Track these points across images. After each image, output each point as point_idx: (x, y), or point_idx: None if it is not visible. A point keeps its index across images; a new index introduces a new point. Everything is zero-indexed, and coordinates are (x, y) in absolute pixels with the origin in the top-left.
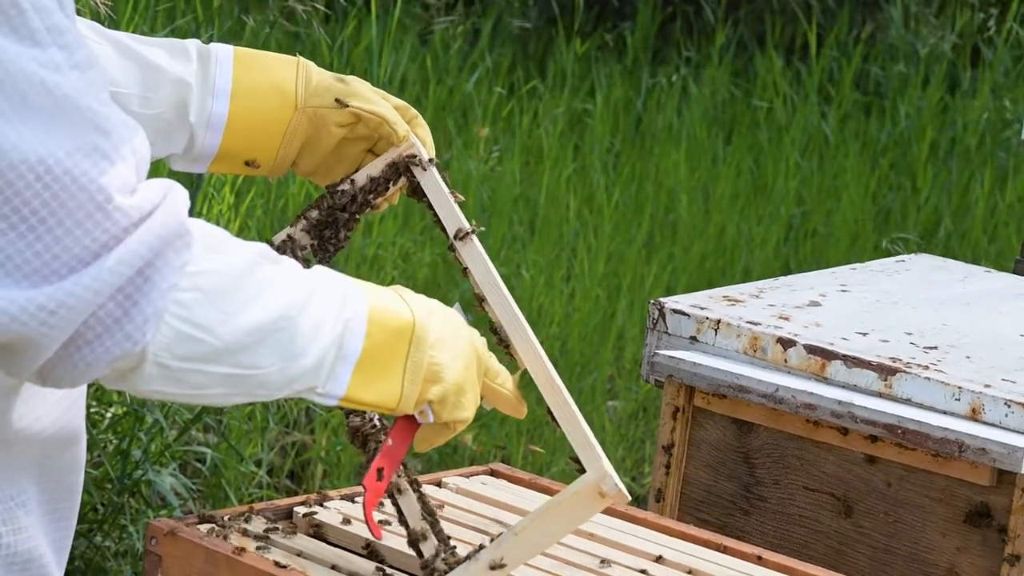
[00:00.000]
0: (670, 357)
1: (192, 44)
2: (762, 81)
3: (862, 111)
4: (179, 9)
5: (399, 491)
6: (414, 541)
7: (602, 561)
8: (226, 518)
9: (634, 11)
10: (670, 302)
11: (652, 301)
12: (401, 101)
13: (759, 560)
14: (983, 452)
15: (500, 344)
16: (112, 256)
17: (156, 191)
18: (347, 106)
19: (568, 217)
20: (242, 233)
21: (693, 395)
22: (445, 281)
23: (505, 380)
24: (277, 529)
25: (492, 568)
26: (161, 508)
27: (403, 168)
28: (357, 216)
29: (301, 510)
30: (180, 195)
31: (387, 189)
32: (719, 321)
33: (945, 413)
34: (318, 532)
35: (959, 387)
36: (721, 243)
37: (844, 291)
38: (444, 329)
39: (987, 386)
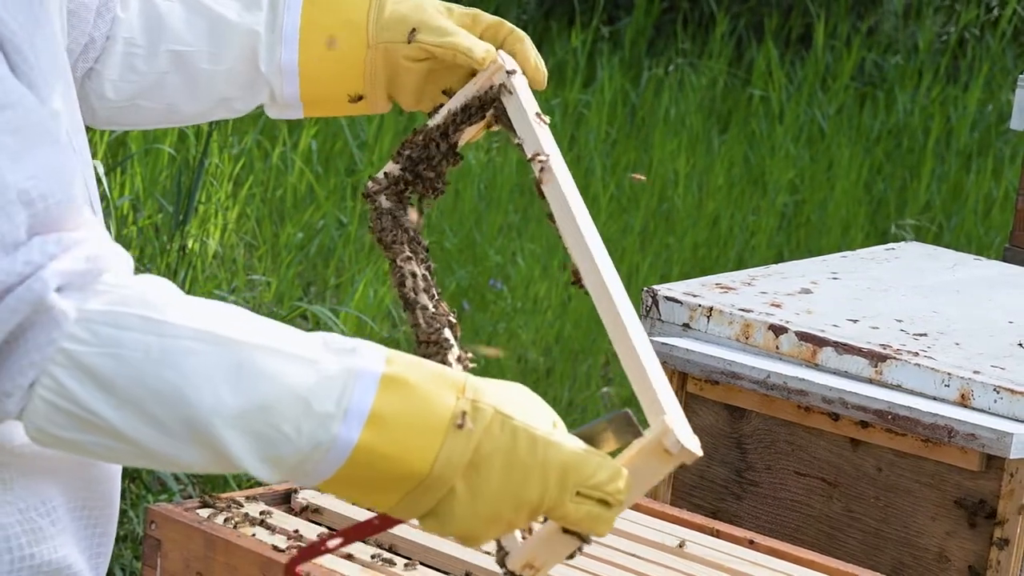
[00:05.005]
0: (663, 344)
1: None
2: (758, 71)
3: (857, 102)
4: None
5: None
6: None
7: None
8: (226, 503)
9: (631, 3)
10: (663, 289)
11: (645, 289)
12: (493, 18)
13: (751, 544)
14: (972, 438)
15: (575, 283)
16: None
17: (44, 251)
18: (414, 41)
19: None
20: (240, 221)
21: (686, 381)
22: (442, 270)
23: (607, 483)
24: (275, 513)
25: (565, 533)
26: (161, 493)
27: (486, 98)
28: (452, 152)
29: (299, 494)
30: (76, 257)
31: (477, 120)
32: (712, 308)
33: (935, 399)
34: (316, 516)
35: (949, 373)
36: (716, 232)
37: (835, 279)
38: (491, 477)
39: (976, 372)
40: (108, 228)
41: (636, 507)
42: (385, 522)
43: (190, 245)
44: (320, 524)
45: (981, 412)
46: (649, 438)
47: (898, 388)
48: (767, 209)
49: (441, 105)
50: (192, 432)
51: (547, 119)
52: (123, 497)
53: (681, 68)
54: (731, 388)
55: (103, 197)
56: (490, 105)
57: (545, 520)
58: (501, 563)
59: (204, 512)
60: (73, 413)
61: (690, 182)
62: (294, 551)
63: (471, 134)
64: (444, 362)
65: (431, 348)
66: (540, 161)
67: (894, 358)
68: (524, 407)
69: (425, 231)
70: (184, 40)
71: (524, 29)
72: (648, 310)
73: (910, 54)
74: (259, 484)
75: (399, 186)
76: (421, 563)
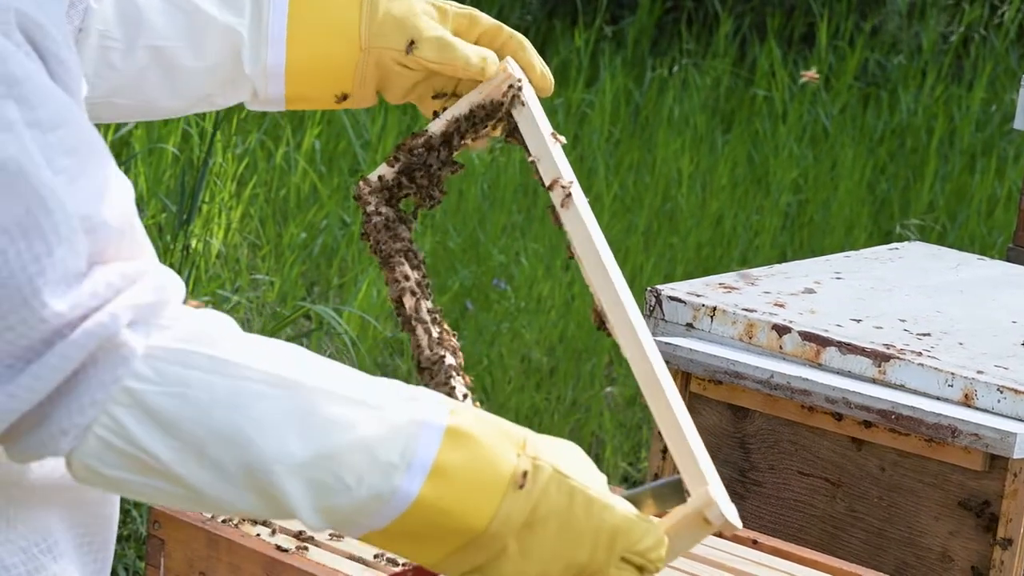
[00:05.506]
0: (667, 344)
1: None
2: (762, 71)
3: (860, 102)
4: None
5: None
6: None
7: None
8: None
9: (634, 2)
10: (666, 289)
11: (649, 288)
12: (491, 21)
13: (754, 544)
14: (976, 437)
15: (600, 327)
16: (31, 367)
17: (110, 283)
18: (411, 54)
19: None
20: (243, 221)
21: (689, 381)
22: (445, 269)
23: (651, 551)
24: None
25: None
26: None
27: (492, 109)
28: (452, 160)
29: None
30: (143, 289)
31: (482, 129)
32: (715, 308)
33: (938, 399)
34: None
35: (952, 373)
36: (719, 232)
37: (838, 278)
38: (545, 537)
39: (980, 372)
40: None
41: None
42: (421, 574)
43: (194, 245)
44: None
45: (985, 412)
46: (692, 508)
47: (902, 388)
48: (771, 209)
49: (444, 109)
50: (251, 479)
51: (563, 139)
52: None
53: (685, 68)
54: (734, 388)
55: None
56: (497, 116)
57: None
58: None
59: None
60: (128, 453)
61: (694, 182)
62: (305, 548)
63: (474, 143)
64: (447, 388)
65: (433, 373)
66: (563, 187)
67: (898, 358)
68: (579, 466)
69: (428, 231)
70: (164, 35)
71: (527, 29)
72: (652, 310)
73: (914, 54)
74: None
75: (392, 191)
76: None
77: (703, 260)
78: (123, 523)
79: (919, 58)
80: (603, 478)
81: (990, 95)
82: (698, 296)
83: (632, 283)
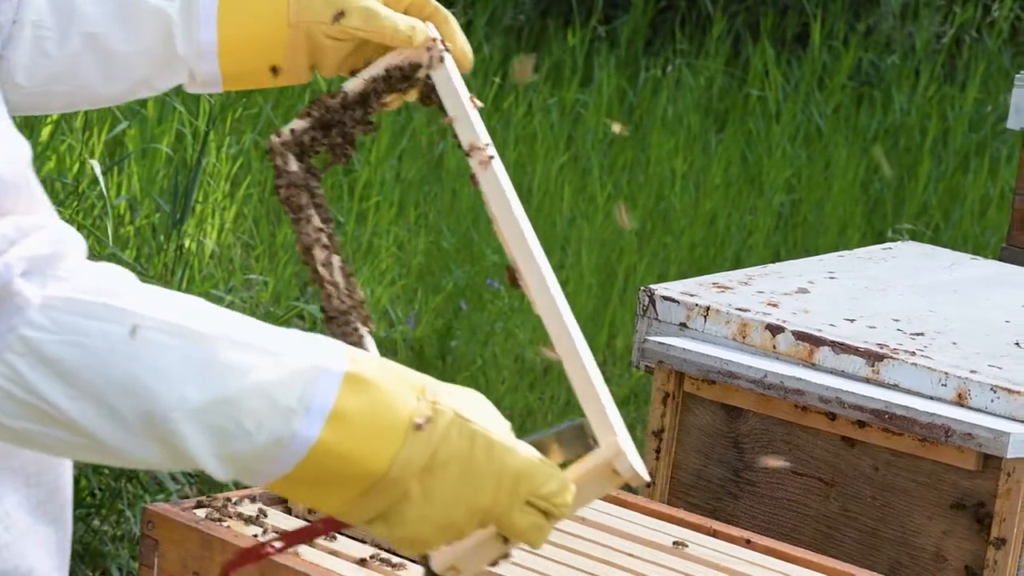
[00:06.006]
0: (660, 343)
1: None
2: (755, 71)
3: (854, 101)
4: None
5: None
6: None
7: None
8: (222, 503)
9: (627, 2)
10: (660, 289)
11: (642, 288)
12: None
13: (748, 544)
14: (969, 437)
15: (514, 285)
16: None
17: (4, 235)
18: (339, 24)
19: (561, 206)
20: (237, 221)
21: (683, 381)
22: (439, 269)
23: (556, 495)
24: (271, 512)
25: (498, 539)
26: (158, 493)
27: (410, 70)
28: (367, 120)
29: None
30: (38, 242)
31: (400, 90)
32: (708, 308)
33: (932, 399)
34: (313, 515)
35: (946, 373)
36: (713, 231)
37: (832, 278)
38: (447, 481)
39: (973, 372)
40: (106, 228)
41: (633, 506)
42: (330, 525)
43: (187, 245)
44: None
45: (978, 411)
46: (600, 458)
47: (895, 387)
48: (764, 208)
49: (362, 68)
50: (151, 427)
51: (480, 103)
52: (120, 497)
53: (678, 68)
54: (728, 387)
55: (100, 197)
56: (415, 77)
57: None
58: (424, 563)
59: (201, 512)
60: (28, 403)
61: (687, 182)
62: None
63: (389, 104)
64: (355, 337)
65: (341, 323)
66: (480, 151)
67: (891, 357)
68: (481, 411)
69: (423, 231)
70: (96, 21)
71: (520, 29)
72: (645, 309)
73: (907, 54)
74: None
75: (304, 146)
76: (415, 560)
77: (697, 260)
78: (116, 523)
79: (912, 58)
80: (506, 424)
81: (983, 95)
82: (692, 296)
83: (625, 282)
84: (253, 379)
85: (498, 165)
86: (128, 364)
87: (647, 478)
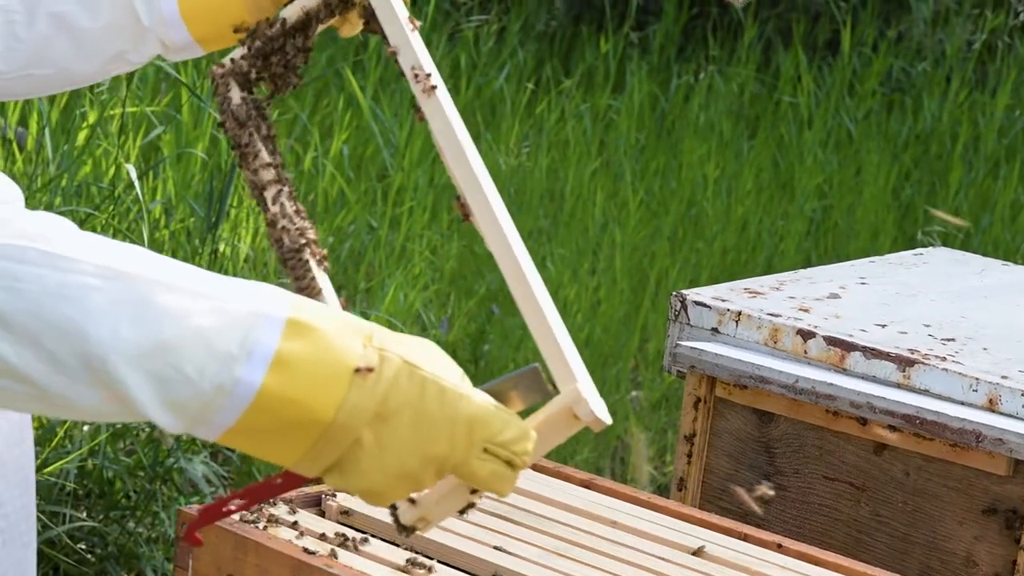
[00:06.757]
0: (692, 348)
1: None
2: (786, 77)
3: (885, 108)
4: None
5: None
6: None
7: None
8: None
9: (660, 9)
10: (692, 294)
11: (674, 293)
12: None
13: (779, 548)
14: (1000, 442)
15: (465, 219)
16: None
17: None
18: None
19: (594, 212)
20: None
21: (714, 386)
22: (472, 274)
23: (514, 443)
24: (305, 515)
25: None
26: (193, 495)
27: None
28: (307, 48)
29: (329, 498)
30: None
31: (339, 14)
32: (740, 313)
33: (963, 404)
34: (346, 518)
35: (976, 378)
36: (744, 237)
37: (863, 283)
38: (399, 429)
39: (1004, 377)
40: (141, 232)
41: (663, 510)
42: (289, 480)
43: (221, 249)
44: (351, 527)
45: (1009, 417)
46: (560, 405)
47: (926, 393)
48: (795, 214)
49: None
50: (89, 370)
51: (419, 23)
52: (155, 499)
53: (710, 74)
54: (759, 392)
55: (136, 201)
56: (344, 7)
57: None
58: (394, 516)
59: (235, 514)
60: None
61: (719, 187)
62: (333, 552)
63: (341, 31)
64: (309, 277)
65: (295, 263)
66: (420, 77)
67: (922, 363)
68: (432, 359)
69: (455, 235)
70: (60, 0)
71: (553, 35)
72: (677, 314)
73: (938, 60)
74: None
75: (247, 76)
76: (447, 564)
77: (728, 265)
78: (151, 525)
79: (943, 64)
80: (459, 371)
81: (1014, 101)
82: (723, 301)
83: (657, 287)
84: (192, 324)
85: (443, 94)
86: (61, 307)
87: (609, 420)
